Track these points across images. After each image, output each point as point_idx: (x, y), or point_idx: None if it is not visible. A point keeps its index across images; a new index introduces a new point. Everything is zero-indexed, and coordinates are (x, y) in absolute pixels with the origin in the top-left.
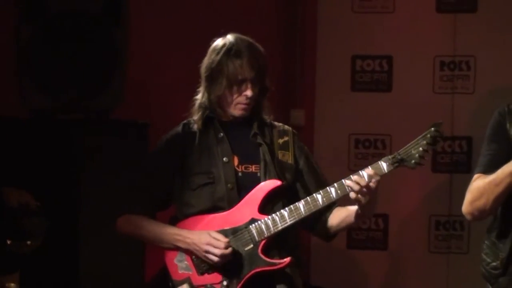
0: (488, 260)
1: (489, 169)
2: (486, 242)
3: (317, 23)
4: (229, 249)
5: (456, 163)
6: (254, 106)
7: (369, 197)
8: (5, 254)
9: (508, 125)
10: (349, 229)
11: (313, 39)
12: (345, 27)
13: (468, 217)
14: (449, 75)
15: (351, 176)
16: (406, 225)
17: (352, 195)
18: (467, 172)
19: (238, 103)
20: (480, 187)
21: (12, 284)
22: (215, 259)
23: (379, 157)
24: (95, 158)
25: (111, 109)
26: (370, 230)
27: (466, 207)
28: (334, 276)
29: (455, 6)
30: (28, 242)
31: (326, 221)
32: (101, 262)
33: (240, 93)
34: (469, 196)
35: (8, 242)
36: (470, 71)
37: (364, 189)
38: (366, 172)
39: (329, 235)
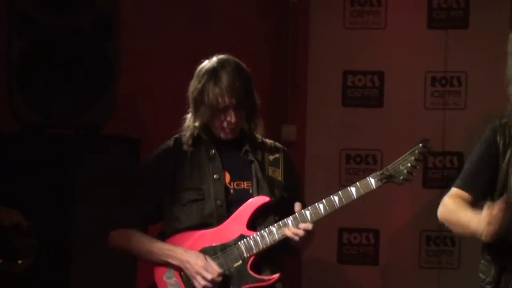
0: (483, 277)
1: (469, 185)
2: (482, 261)
3: (308, 39)
4: (220, 278)
5: (447, 178)
6: (244, 126)
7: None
8: None
9: (498, 138)
10: (340, 244)
11: (305, 54)
12: (336, 43)
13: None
14: (441, 91)
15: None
16: (397, 241)
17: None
18: None
19: (223, 128)
20: (448, 215)
21: None
22: (203, 282)
23: (370, 172)
24: (86, 172)
25: (102, 124)
26: (361, 245)
27: (439, 215)
28: None
29: (447, 22)
30: (19, 262)
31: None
32: (93, 276)
33: (223, 119)
34: (441, 210)
35: (0, 261)
36: (461, 87)
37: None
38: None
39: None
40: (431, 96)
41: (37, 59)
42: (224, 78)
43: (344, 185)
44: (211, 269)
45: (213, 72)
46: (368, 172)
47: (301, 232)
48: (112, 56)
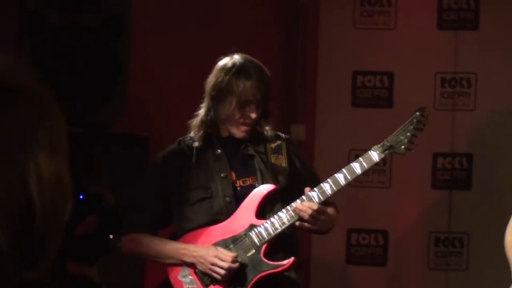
0: None
1: None
2: None
3: (318, 39)
4: (236, 264)
5: (456, 180)
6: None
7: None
8: (104, 247)
9: None
10: (349, 245)
11: (315, 54)
12: (346, 43)
13: None
14: (450, 92)
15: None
16: (406, 242)
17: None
18: (467, 189)
19: (242, 123)
20: (507, 248)
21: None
22: (221, 271)
23: (379, 173)
24: (95, 170)
25: (111, 122)
26: (369, 246)
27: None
28: None
29: (457, 23)
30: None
31: None
32: (101, 277)
33: (244, 113)
34: (506, 239)
35: (111, 236)
36: (471, 88)
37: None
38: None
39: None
40: (440, 97)
41: (47, 58)
42: (254, 73)
43: (353, 185)
44: (224, 256)
45: (241, 66)
46: (377, 173)
47: (306, 209)
48: (122, 55)
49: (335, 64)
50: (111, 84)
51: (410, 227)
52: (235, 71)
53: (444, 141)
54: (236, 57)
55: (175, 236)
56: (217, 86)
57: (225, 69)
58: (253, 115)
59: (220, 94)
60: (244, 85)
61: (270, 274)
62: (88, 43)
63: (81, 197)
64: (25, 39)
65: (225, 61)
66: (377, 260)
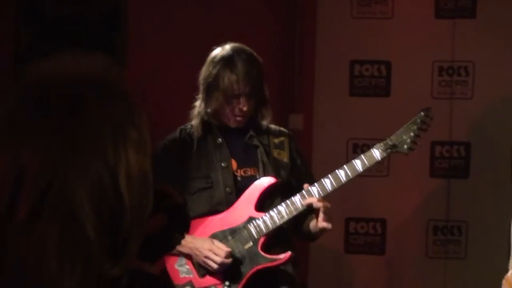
0: None
1: None
2: None
3: (316, 28)
4: (230, 259)
5: (454, 168)
6: (251, 115)
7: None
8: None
9: None
10: (347, 234)
11: (312, 44)
12: (344, 33)
13: None
14: (448, 81)
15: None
16: (404, 230)
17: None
18: (465, 178)
19: (234, 115)
20: None
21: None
22: (214, 265)
23: (377, 162)
24: None
25: None
26: (368, 234)
27: None
28: (332, 281)
29: (454, 12)
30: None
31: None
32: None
33: (235, 106)
34: None
35: (177, 235)
36: (468, 76)
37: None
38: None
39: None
40: (438, 86)
41: (45, 49)
42: (240, 65)
43: None
44: (219, 251)
45: (229, 59)
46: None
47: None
48: (120, 46)
49: (333, 54)
50: None
51: (409, 215)
52: (221, 64)
53: (442, 129)
54: (226, 49)
55: None
56: (206, 80)
57: (213, 62)
58: (244, 108)
59: (208, 88)
60: (229, 80)
61: (266, 267)
62: (86, 35)
63: None
64: (23, 30)
65: (215, 53)
66: (376, 248)
